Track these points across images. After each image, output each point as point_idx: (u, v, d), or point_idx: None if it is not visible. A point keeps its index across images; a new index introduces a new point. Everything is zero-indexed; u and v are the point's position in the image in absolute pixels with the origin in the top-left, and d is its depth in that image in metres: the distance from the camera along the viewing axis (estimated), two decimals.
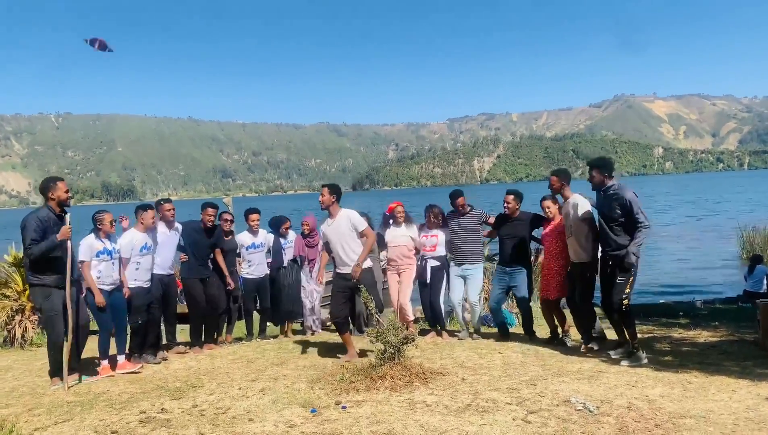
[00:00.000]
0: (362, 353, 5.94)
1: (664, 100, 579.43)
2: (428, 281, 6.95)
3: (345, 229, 5.80)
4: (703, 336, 6.55)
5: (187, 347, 6.81)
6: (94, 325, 5.85)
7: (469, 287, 6.92)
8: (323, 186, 5.94)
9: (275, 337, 7.62)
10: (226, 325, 7.30)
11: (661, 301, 10.67)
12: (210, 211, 6.79)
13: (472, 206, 7.00)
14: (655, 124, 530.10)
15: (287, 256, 7.56)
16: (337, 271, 6.01)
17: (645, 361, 5.25)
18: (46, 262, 5.20)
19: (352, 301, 6.27)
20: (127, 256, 5.95)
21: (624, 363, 5.27)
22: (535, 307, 7.36)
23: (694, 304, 9.80)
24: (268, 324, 7.93)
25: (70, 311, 5.20)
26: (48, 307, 5.29)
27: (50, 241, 5.16)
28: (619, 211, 5.27)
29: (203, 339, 6.91)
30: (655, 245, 22.66)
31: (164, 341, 6.70)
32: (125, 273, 5.95)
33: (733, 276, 13.96)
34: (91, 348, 5.97)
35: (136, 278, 6.04)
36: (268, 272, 7.52)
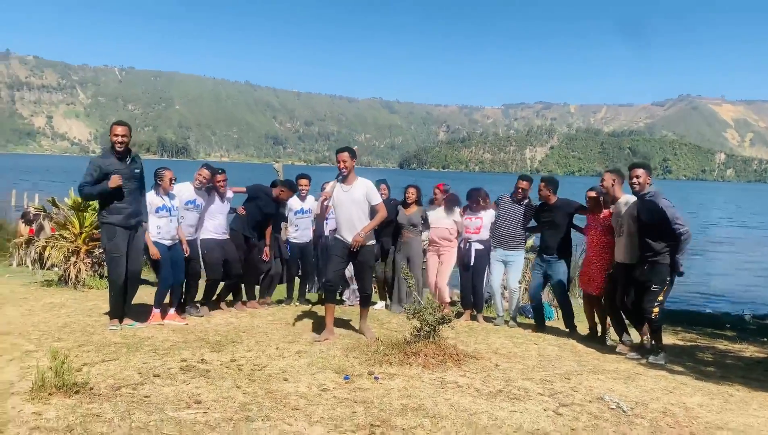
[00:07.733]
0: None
1: (732, 104, 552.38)
2: (472, 264, 6.93)
3: (361, 198, 5.56)
4: (750, 350, 6.33)
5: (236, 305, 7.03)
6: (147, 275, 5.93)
7: (509, 273, 6.90)
8: (342, 150, 5.56)
9: (314, 303, 7.75)
10: (268, 287, 7.45)
11: (707, 311, 10.34)
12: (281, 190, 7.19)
13: (530, 198, 6.91)
14: (720, 128, 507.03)
15: (329, 226, 7.62)
16: (338, 235, 5.75)
17: (663, 362, 5.28)
18: (115, 202, 5.31)
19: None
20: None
21: (651, 358, 5.32)
22: (575, 302, 7.24)
23: (743, 316, 9.46)
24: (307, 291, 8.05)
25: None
26: (111, 248, 5.41)
27: (101, 186, 5.25)
28: (654, 218, 5.19)
29: (243, 298, 7.07)
30: (708, 252, 21.86)
31: (244, 298, 7.05)
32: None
33: None
34: (141, 296, 6.18)
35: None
36: (312, 238, 7.63)
